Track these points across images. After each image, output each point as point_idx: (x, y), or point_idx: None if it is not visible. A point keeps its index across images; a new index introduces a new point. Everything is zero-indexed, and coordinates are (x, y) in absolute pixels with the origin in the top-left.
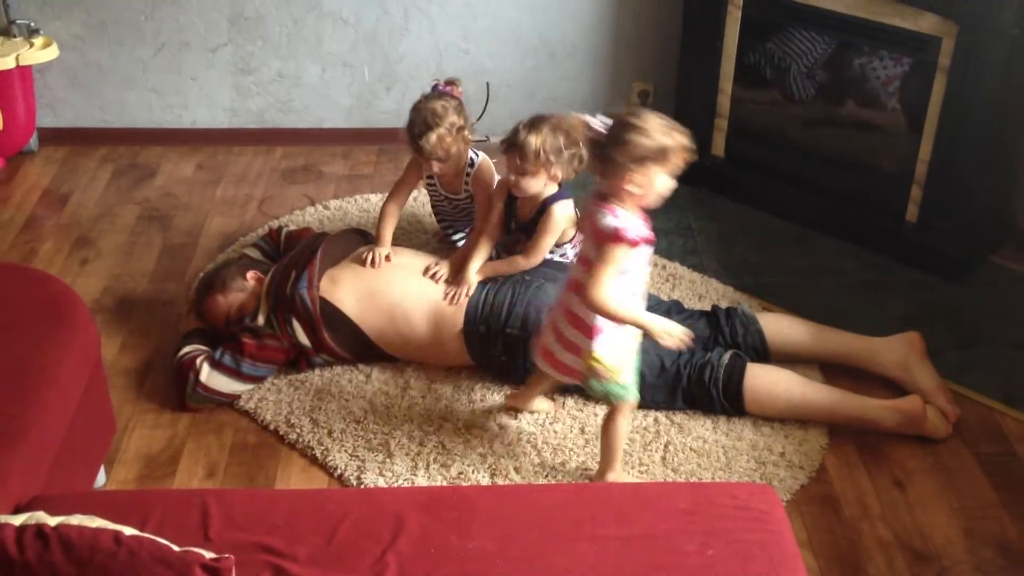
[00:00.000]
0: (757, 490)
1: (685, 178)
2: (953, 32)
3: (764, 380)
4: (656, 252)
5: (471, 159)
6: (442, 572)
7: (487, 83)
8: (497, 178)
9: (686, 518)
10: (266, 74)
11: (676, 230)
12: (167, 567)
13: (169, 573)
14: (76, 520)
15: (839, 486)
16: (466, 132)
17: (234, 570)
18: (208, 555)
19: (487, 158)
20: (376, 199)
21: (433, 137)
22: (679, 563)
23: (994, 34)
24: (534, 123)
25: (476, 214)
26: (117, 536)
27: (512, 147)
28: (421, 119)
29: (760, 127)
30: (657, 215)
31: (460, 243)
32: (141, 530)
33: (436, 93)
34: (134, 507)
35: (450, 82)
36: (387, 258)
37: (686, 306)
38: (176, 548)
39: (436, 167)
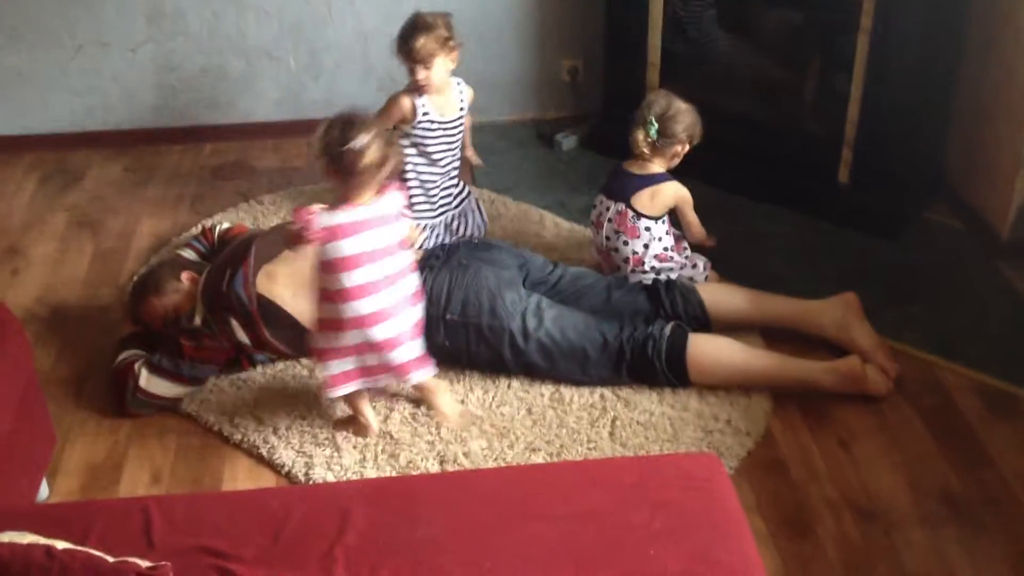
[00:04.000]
0: (701, 459)
1: (621, 154)
2: None
3: (706, 349)
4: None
5: (458, 81)
6: (390, 563)
7: None
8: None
9: (632, 492)
10: (189, 70)
11: None
12: None
13: None
14: (7, 537)
15: (785, 450)
16: (452, 45)
17: None
18: (144, 564)
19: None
20: (310, 190)
21: (421, 39)
22: (626, 536)
23: None
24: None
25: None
26: (49, 551)
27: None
28: (411, 24)
29: (690, 98)
30: (593, 191)
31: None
32: (83, 542)
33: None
34: (75, 519)
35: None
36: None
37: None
38: (110, 559)
39: (421, 73)
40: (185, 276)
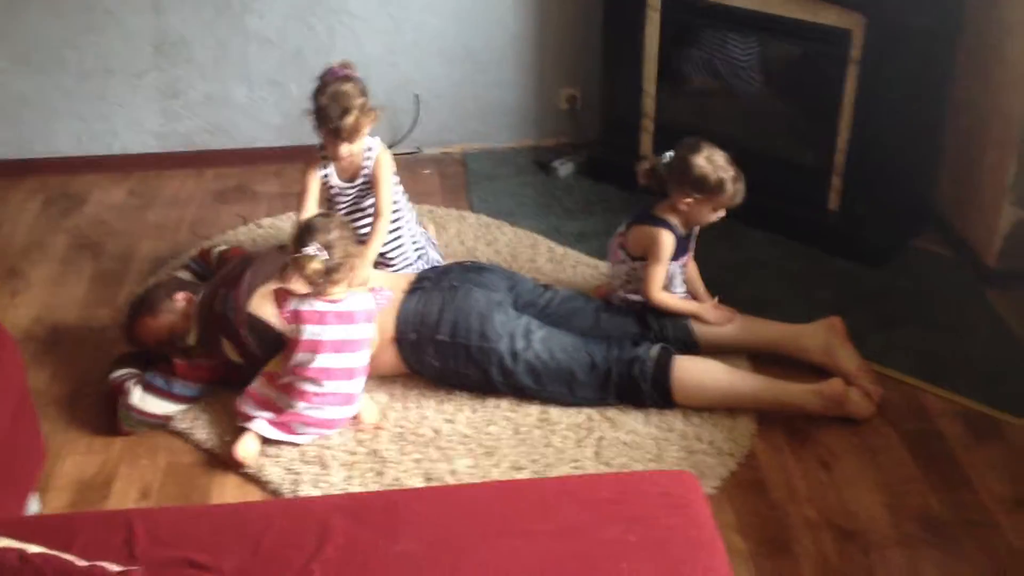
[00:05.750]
0: (678, 477)
1: (617, 181)
2: (862, 24)
3: (691, 371)
4: (589, 252)
5: (368, 145)
6: None
7: (416, 95)
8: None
9: (609, 508)
10: (193, 97)
11: (607, 231)
12: None
13: None
14: None
15: (767, 470)
16: (370, 111)
17: None
18: (115, 568)
19: (382, 145)
20: None
21: (351, 119)
22: (600, 551)
23: (901, 24)
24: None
25: (377, 198)
26: (21, 555)
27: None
28: (337, 103)
29: (685, 126)
30: (590, 218)
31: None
32: (66, 553)
33: (340, 77)
34: (59, 531)
35: (345, 64)
36: None
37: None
38: (82, 563)
39: (345, 150)
40: (180, 296)
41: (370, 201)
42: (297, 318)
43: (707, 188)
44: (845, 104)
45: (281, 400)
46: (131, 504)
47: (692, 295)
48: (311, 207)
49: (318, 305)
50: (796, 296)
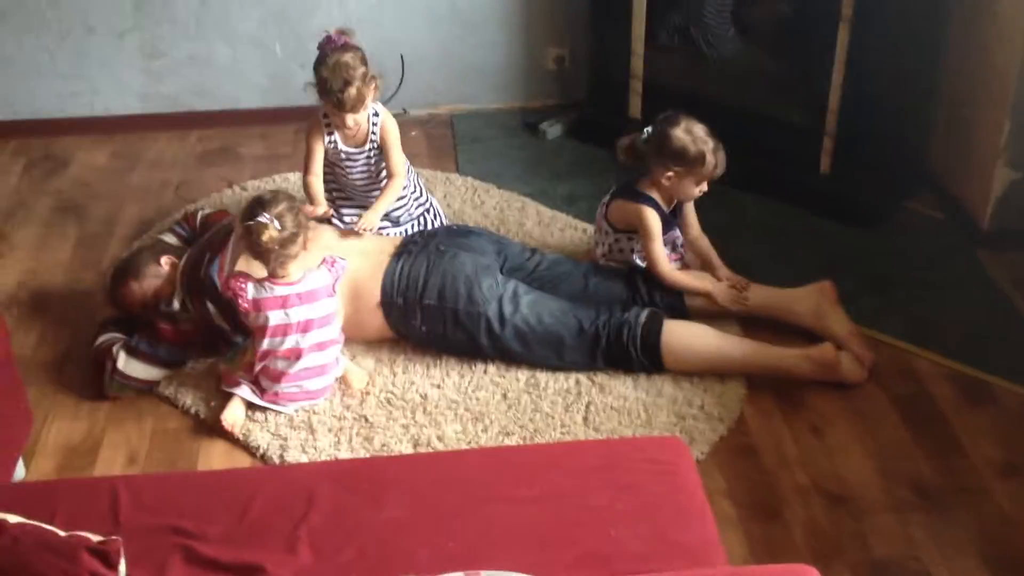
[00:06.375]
0: (666, 443)
1: (604, 142)
2: None
3: (681, 336)
4: (576, 216)
5: (374, 111)
6: (355, 543)
7: (401, 56)
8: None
9: (596, 475)
10: (176, 57)
11: (596, 194)
12: (53, 553)
13: (55, 559)
14: None
15: (757, 435)
16: (373, 80)
17: (123, 551)
18: (95, 538)
19: (385, 110)
20: (295, 177)
21: (353, 90)
22: (588, 518)
23: None
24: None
25: (389, 161)
26: (1, 525)
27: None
28: (338, 75)
29: (674, 86)
30: (578, 180)
31: (350, 219)
32: (50, 520)
33: (339, 46)
34: (43, 498)
35: (343, 32)
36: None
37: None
38: (62, 533)
39: (350, 120)
40: (165, 260)
41: (383, 165)
42: (258, 306)
43: (687, 160)
44: (837, 64)
45: (262, 382)
46: (118, 470)
47: (706, 268)
48: (317, 170)
49: (278, 290)
50: (787, 259)
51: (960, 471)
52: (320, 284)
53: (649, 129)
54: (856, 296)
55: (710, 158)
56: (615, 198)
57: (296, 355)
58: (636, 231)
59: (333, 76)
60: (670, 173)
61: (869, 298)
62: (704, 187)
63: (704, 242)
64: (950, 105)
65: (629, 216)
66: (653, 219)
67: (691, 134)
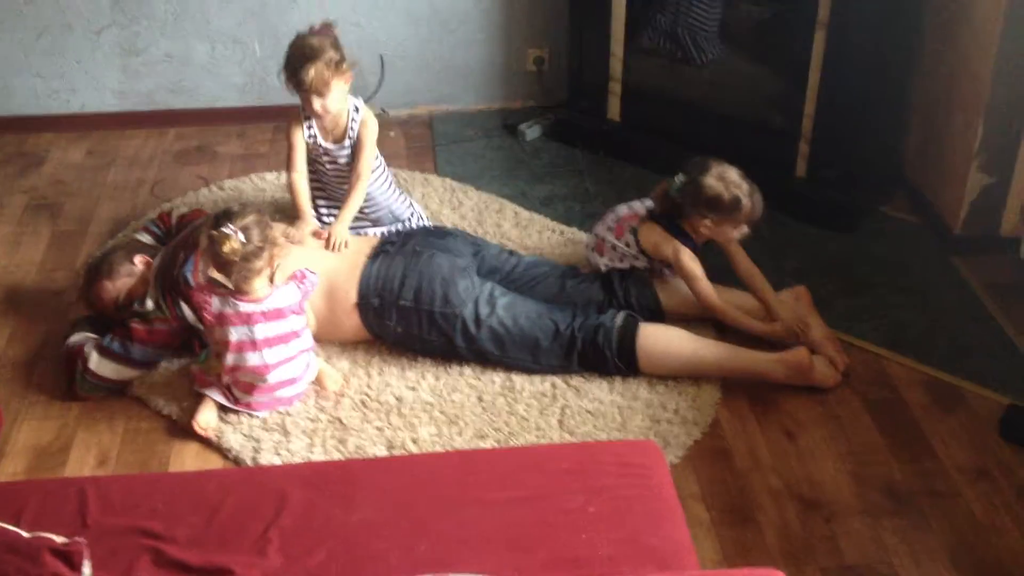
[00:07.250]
0: (640, 446)
1: (582, 143)
2: None
3: (656, 339)
4: (554, 218)
5: (355, 106)
6: (325, 546)
7: (380, 56)
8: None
9: (570, 478)
10: (154, 54)
11: (574, 195)
12: (15, 554)
13: (18, 560)
14: None
15: (731, 439)
16: (344, 67)
17: (88, 552)
18: (59, 540)
19: (367, 108)
20: (272, 177)
21: (312, 70)
22: (561, 521)
23: None
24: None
25: (357, 160)
26: None
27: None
28: (299, 53)
29: (652, 90)
30: (555, 181)
31: (330, 219)
32: (16, 521)
33: (315, 32)
34: (10, 498)
35: (326, 24)
36: (317, 234)
37: (582, 270)
38: (26, 534)
39: (317, 104)
40: (139, 259)
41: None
42: (221, 320)
43: (723, 208)
44: (813, 68)
45: (234, 391)
46: (88, 471)
47: (761, 302)
48: (299, 165)
49: (243, 307)
50: (763, 263)
51: (932, 476)
52: (286, 303)
53: (680, 177)
54: (831, 300)
55: (746, 202)
56: (653, 222)
57: (262, 372)
58: (668, 262)
59: (294, 54)
60: (707, 221)
61: (844, 302)
62: (745, 229)
63: (758, 280)
64: (925, 109)
65: (662, 249)
66: (689, 258)
67: (724, 180)
